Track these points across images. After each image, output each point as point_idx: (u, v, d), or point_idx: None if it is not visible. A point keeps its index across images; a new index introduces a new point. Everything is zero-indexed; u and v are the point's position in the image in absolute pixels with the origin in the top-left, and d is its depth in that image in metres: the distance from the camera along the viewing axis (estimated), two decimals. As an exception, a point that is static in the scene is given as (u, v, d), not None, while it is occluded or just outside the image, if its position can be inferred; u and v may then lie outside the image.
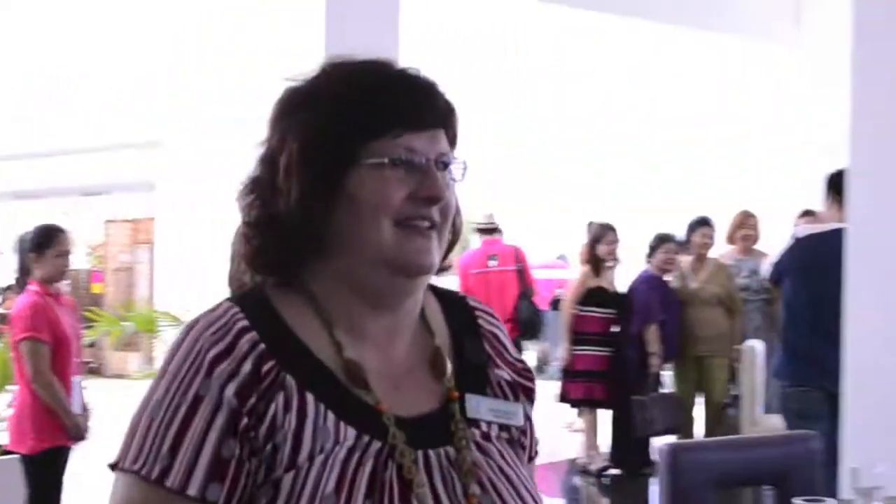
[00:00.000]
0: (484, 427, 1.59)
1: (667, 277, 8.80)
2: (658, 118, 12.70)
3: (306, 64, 1.59)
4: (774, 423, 7.05)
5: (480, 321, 1.72)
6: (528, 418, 1.68)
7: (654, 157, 14.06)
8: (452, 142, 1.59)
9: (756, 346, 8.08)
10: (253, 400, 1.44)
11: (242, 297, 1.56)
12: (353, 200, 1.50)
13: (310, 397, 1.46)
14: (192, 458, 1.42)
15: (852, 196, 5.06)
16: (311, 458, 1.43)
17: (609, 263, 9.09)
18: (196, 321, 1.51)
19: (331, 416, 1.46)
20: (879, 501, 2.73)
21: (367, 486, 1.44)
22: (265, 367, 1.46)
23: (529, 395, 1.70)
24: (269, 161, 1.55)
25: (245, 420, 1.43)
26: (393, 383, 1.55)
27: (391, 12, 6.64)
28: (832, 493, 3.34)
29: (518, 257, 9.96)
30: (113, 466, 1.48)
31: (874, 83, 5.02)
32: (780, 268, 6.29)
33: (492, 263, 9.89)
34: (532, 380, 1.72)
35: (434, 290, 1.68)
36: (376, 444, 1.47)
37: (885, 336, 4.89)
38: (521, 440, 1.65)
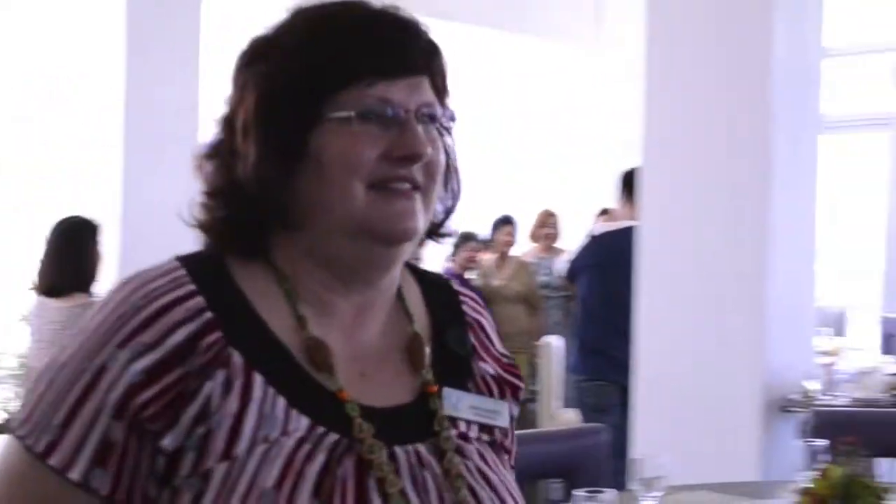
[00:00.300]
0: (462, 427, 1.40)
1: (469, 275, 8.88)
2: (461, 118, 12.78)
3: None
4: (571, 418, 7.17)
5: (465, 307, 1.53)
6: (512, 419, 1.49)
7: (458, 156, 14.16)
8: (440, 90, 1.40)
9: (554, 341, 8.21)
10: (174, 376, 1.24)
11: (194, 258, 1.35)
12: (319, 162, 1.31)
13: (258, 378, 1.27)
14: (81, 437, 1.24)
15: (645, 194, 5.20)
16: (251, 449, 1.24)
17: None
18: (132, 277, 1.31)
19: (281, 401, 1.27)
20: (660, 490, 2.81)
21: (316, 484, 1.24)
22: (208, 339, 1.27)
23: (515, 393, 1.51)
24: (228, 122, 1.36)
25: (145, 399, 1.24)
26: (360, 370, 1.36)
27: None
28: (621, 485, 3.42)
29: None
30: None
31: (666, 84, 5.17)
32: (576, 265, 6.42)
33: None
34: (519, 377, 1.53)
35: (413, 269, 1.50)
36: (332, 436, 1.28)
37: (674, 331, 5.05)
38: (504, 443, 1.47)
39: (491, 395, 1.46)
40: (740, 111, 4.94)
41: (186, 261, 1.34)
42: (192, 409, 1.24)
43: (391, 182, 1.32)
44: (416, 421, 1.37)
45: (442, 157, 1.38)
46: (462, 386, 1.43)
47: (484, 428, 1.43)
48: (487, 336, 1.52)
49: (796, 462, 3.03)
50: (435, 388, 1.40)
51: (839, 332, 8.74)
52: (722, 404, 4.88)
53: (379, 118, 1.31)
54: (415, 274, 1.50)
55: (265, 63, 1.34)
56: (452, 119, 1.40)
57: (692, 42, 5.11)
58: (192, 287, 1.30)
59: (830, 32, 5.35)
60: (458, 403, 1.41)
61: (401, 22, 1.36)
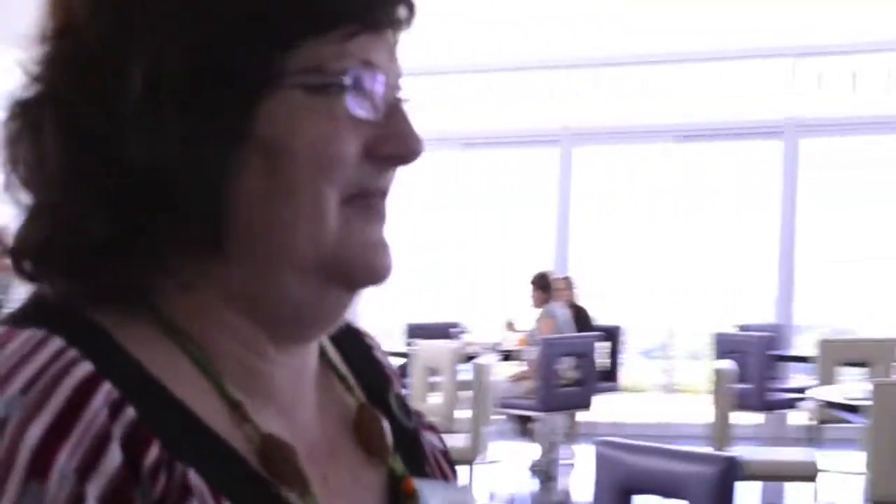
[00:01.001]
0: None
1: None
2: None
3: None
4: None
5: (377, 354, 1.09)
6: None
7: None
8: None
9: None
10: None
11: (48, 314, 0.83)
12: (272, 155, 0.84)
13: None
14: None
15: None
16: None
17: None
18: None
19: None
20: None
21: None
22: (150, 455, 0.79)
23: (454, 469, 1.10)
24: (88, 75, 0.84)
25: None
26: (321, 472, 0.91)
27: None
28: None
29: None
30: None
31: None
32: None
33: None
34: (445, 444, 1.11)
35: None
36: None
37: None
38: None
39: (446, 478, 1.07)
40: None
41: (46, 323, 0.82)
42: None
43: (370, 193, 0.88)
44: None
45: None
46: (421, 472, 1.02)
47: None
48: (403, 389, 1.11)
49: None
50: (412, 483, 0.98)
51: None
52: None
53: (360, 93, 0.86)
54: None
55: None
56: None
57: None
58: (88, 367, 0.79)
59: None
60: (433, 500, 0.99)
61: None
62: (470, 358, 7.51)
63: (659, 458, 3.27)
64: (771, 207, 11.16)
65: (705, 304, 11.66)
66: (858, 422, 6.03)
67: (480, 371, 6.93)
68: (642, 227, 11.92)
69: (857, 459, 5.84)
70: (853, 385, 6.72)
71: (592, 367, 8.86)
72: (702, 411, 10.39)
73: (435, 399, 7.28)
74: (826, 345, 8.24)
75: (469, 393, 6.87)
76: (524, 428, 9.40)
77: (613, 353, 10.10)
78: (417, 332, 9.54)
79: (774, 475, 6.35)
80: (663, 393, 11.93)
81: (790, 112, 11.05)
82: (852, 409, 5.94)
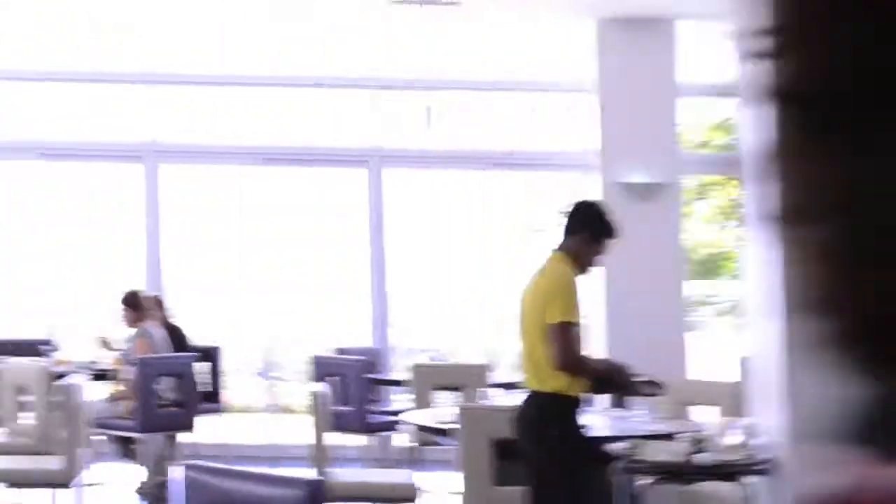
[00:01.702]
0: None
1: None
2: None
3: None
4: None
5: None
6: None
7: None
8: None
9: None
10: None
11: None
12: None
13: None
14: None
15: None
16: None
17: None
18: None
19: None
20: None
21: None
22: None
23: None
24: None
25: None
26: None
27: None
28: None
29: None
30: None
31: None
32: None
33: None
34: None
35: None
36: None
37: None
38: None
39: None
40: None
41: None
42: None
43: None
44: None
45: None
46: None
47: None
48: None
49: None
50: None
51: None
52: None
53: None
54: None
55: None
56: None
57: None
58: None
59: None
60: None
61: None
62: (60, 376, 7.24)
63: (245, 481, 3.27)
64: (361, 234, 11.29)
65: (307, 327, 11.66)
66: (449, 444, 6.21)
67: (71, 391, 6.70)
68: (244, 250, 11.68)
69: (456, 480, 6.01)
70: (446, 409, 6.92)
71: (192, 387, 8.69)
72: (308, 432, 10.48)
73: (26, 419, 6.97)
74: (419, 369, 8.47)
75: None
76: (126, 449, 9.07)
77: (214, 374, 9.93)
78: (3, 348, 9.03)
79: (374, 496, 6.41)
80: (272, 414, 11.84)
81: (373, 141, 11.28)
82: (442, 432, 6.12)
